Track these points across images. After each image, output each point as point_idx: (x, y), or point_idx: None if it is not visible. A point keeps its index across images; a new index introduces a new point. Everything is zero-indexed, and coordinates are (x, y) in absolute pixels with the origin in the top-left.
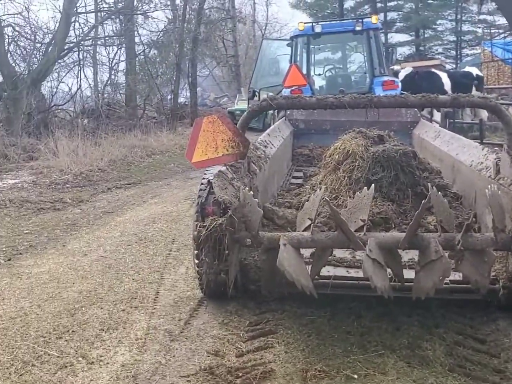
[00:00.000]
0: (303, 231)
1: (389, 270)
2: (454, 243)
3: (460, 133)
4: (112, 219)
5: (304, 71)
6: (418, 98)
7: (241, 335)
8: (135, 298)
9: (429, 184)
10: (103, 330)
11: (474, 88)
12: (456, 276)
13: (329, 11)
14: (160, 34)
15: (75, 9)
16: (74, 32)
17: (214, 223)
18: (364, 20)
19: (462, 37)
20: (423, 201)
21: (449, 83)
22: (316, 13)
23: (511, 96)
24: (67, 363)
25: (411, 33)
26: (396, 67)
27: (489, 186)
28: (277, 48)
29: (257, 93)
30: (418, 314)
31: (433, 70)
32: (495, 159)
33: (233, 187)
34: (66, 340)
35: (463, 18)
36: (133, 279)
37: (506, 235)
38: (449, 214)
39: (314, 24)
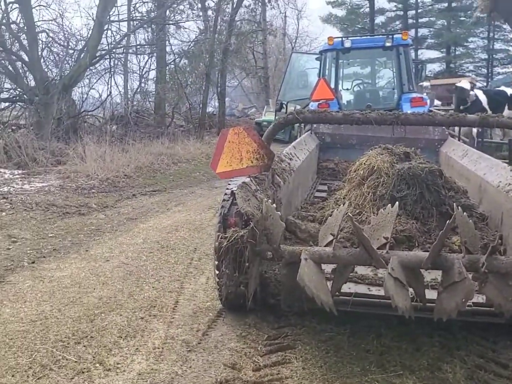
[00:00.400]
0: (325, 246)
1: (411, 289)
2: (478, 265)
3: (489, 152)
4: (136, 225)
5: (332, 85)
6: (446, 117)
7: (259, 349)
8: (154, 307)
9: (454, 203)
10: (121, 337)
11: (506, 107)
12: (480, 298)
13: (359, 26)
14: (191, 44)
15: (108, 17)
16: (106, 40)
17: (236, 234)
18: (395, 36)
19: (493, 55)
20: (448, 221)
21: (485, 99)
22: (346, 28)
23: None
24: (84, 368)
25: (442, 50)
26: (425, 84)
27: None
28: (306, 61)
29: (284, 105)
30: (439, 336)
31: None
32: None
33: (256, 199)
34: (84, 346)
35: (496, 36)
36: (153, 287)
37: None
38: (474, 235)
39: (343, 39)
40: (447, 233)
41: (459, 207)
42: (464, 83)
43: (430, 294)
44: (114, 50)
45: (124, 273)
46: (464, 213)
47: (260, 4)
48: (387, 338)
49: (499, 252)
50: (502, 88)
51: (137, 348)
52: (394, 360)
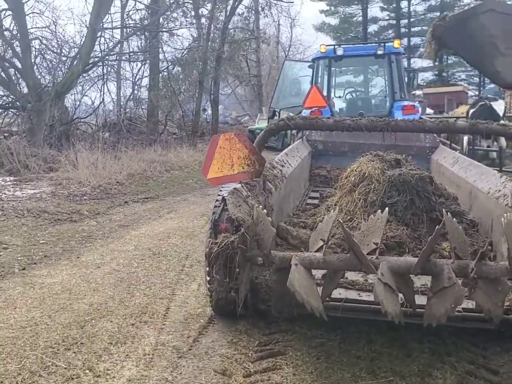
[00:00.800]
0: (315, 251)
1: (401, 295)
2: (467, 271)
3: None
4: (127, 232)
5: (325, 93)
6: (435, 124)
7: (250, 355)
8: (145, 313)
9: (444, 210)
10: (111, 343)
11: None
12: (469, 304)
13: (352, 35)
14: (184, 52)
15: (101, 24)
16: (100, 47)
17: (226, 240)
18: (386, 44)
19: None
20: (437, 227)
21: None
22: (340, 37)
23: None
24: (74, 375)
25: None
26: (418, 92)
27: (505, 215)
28: (299, 69)
29: (277, 113)
30: (429, 341)
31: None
32: None
33: (248, 205)
34: (74, 352)
35: None
36: (144, 294)
37: None
38: (463, 241)
39: (336, 46)
40: (437, 239)
41: (448, 213)
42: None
43: (420, 299)
44: (107, 57)
45: (115, 279)
46: (454, 219)
47: (253, 12)
48: (378, 344)
49: (489, 258)
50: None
51: (127, 355)
52: (384, 366)
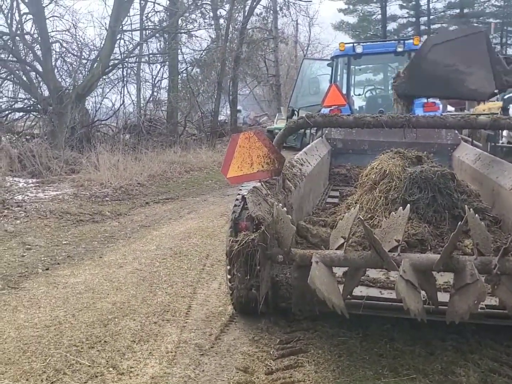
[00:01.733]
0: (336, 249)
1: (423, 292)
2: (490, 267)
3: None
4: (149, 232)
5: (344, 91)
6: (457, 119)
7: (271, 352)
8: (167, 311)
9: (466, 206)
10: (134, 341)
11: None
12: (492, 301)
13: (371, 33)
14: (203, 53)
15: (120, 26)
16: (119, 49)
17: (247, 238)
18: (406, 41)
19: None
20: (459, 223)
21: None
22: (358, 35)
23: None
24: (97, 373)
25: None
26: None
27: None
28: (318, 68)
29: (296, 112)
30: (452, 339)
31: None
32: None
33: (267, 203)
34: (98, 350)
35: (508, 42)
36: (166, 293)
37: None
38: (486, 237)
39: (355, 44)
40: (459, 235)
41: (470, 209)
42: None
43: (443, 296)
44: (126, 60)
45: (137, 279)
46: (476, 215)
47: (271, 12)
48: (400, 342)
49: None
50: None
51: (150, 352)
52: (407, 364)
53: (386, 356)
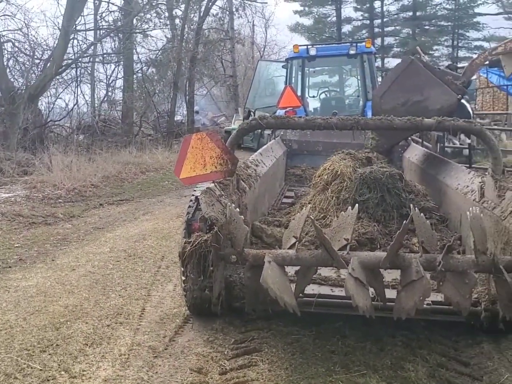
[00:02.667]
0: (288, 249)
1: (371, 289)
2: (435, 264)
3: (453, 158)
4: (103, 235)
5: (299, 93)
6: (403, 121)
7: (226, 353)
8: (121, 314)
9: (412, 205)
10: (87, 345)
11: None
12: (438, 297)
13: (327, 35)
14: (159, 53)
15: (74, 26)
16: (73, 49)
17: (200, 239)
18: (358, 44)
19: (458, 63)
20: (405, 222)
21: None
22: (314, 37)
23: (504, 122)
24: (49, 376)
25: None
26: None
27: (471, 209)
28: (274, 69)
29: (252, 113)
30: (402, 335)
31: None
32: (480, 182)
33: (221, 204)
34: (49, 354)
35: (460, 44)
36: (119, 295)
37: (487, 257)
38: (431, 235)
39: (309, 47)
40: (404, 233)
41: (416, 208)
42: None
43: (391, 293)
44: (80, 59)
45: (90, 281)
46: (422, 214)
47: (227, 13)
48: (352, 338)
49: (458, 253)
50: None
51: (103, 355)
52: (358, 360)
53: (338, 353)
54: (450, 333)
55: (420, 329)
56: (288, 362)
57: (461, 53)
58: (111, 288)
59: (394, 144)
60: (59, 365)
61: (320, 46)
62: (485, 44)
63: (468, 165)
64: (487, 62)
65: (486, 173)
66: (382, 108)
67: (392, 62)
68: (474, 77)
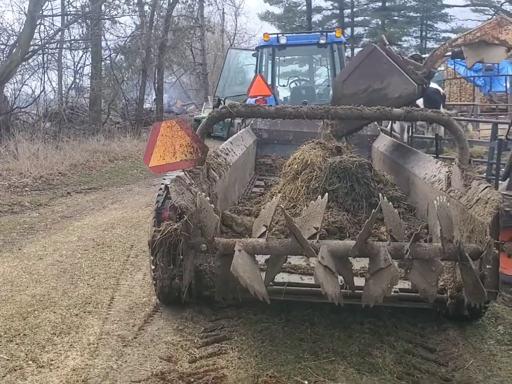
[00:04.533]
0: (258, 237)
1: (340, 277)
2: (403, 252)
3: (420, 148)
4: (70, 223)
5: (269, 82)
6: (373, 111)
7: (195, 341)
8: (89, 303)
9: (380, 194)
10: (55, 334)
11: (441, 106)
12: (406, 284)
13: (297, 24)
14: (127, 40)
15: (41, 11)
16: (39, 35)
17: (169, 228)
18: (328, 33)
19: (426, 54)
20: (373, 211)
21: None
22: (284, 26)
23: (471, 113)
24: (16, 366)
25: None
26: None
27: (437, 198)
28: (244, 58)
29: (222, 102)
30: (370, 322)
31: None
32: (446, 172)
33: (191, 192)
34: (17, 344)
35: (428, 35)
36: (88, 284)
37: (453, 245)
38: (399, 224)
39: (279, 35)
40: (372, 222)
41: (384, 197)
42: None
43: (359, 281)
44: (47, 45)
45: (58, 271)
46: (390, 203)
47: (197, 0)
48: (321, 326)
49: (425, 241)
50: (436, 86)
51: (71, 345)
52: (326, 347)
53: (307, 340)
54: (417, 320)
55: (387, 316)
56: (258, 350)
57: (430, 44)
58: (79, 277)
59: (353, 131)
60: (26, 354)
61: (291, 35)
62: (453, 36)
63: (435, 155)
64: (449, 54)
65: (453, 163)
66: (343, 93)
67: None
68: (442, 68)
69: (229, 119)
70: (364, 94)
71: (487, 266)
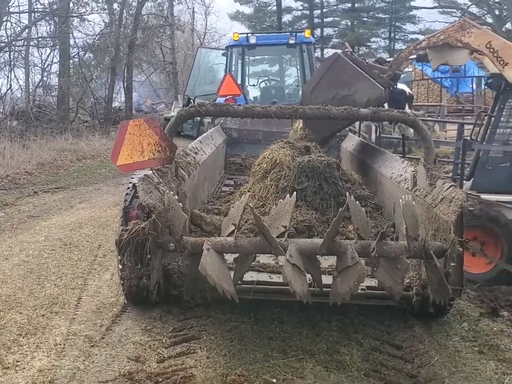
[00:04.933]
0: (227, 236)
1: (309, 276)
2: (369, 250)
3: (388, 148)
4: (37, 223)
5: (239, 81)
6: (340, 111)
7: (164, 341)
8: (56, 304)
9: (347, 193)
10: (21, 335)
11: (406, 106)
12: (372, 282)
13: (267, 24)
14: (96, 38)
15: (7, 8)
16: (6, 32)
17: (137, 227)
18: (298, 34)
19: (394, 55)
20: (340, 209)
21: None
22: (254, 25)
23: (438, 114)
24: None
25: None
26: None
27: (403, 197)
28: (214, 57)
29: (192, 101)
30: (337, 320)
31: None
32: (412, 171)
33: (159, 191)
34: None
35: (396, 37)
36: (55, 285)
37: (418, 243)
38: (366, 222)
39: (249, 35)
40: (340, 221)
41: (351, 196)
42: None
43: (327, 279)
44: (13, 43)
45: (24, 271)
46: (357, 202)
47: None
48: (289, 324)
49: (391, 239)
50: (403, 87)
51: (37, 345)
52: (295, 345)
53: (275, 339)
54: (384, 318)
55: (355, 314)
56: (227, 349)
57: (398, 46)
58: (46, 277)
59: (326, 140)
60: None
61: (260, 34)
62: (421, 37)
63: (402, 155)
64: (413, 56)
65: (419, 162)
66: (313, 103)
67: (331, 53)
68: (410, 69)
69: (199, 118)
70: (333, 102)
71: (452, 264)
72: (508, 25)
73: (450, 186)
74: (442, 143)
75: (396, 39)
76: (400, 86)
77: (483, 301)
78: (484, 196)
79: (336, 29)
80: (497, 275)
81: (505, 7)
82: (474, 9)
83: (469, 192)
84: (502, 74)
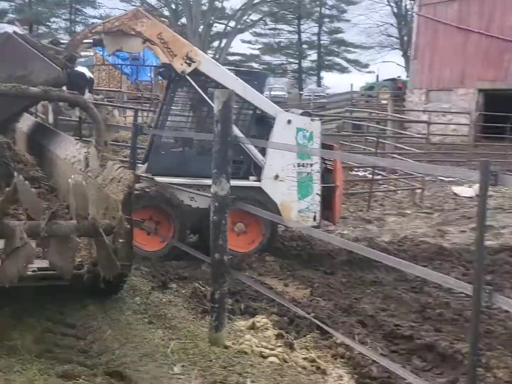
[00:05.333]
0: None
1: None
2: (39, 231)
3: (69, 130)
4: None
5: None
6: (8, 87)
7: None
8: None
9: (15, 173)
10: None
11: (87, 90)
12: (44, 263)
13: None
14: None
15: None
16: None
17: None
18: None
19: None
20: (7, 189)
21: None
22: None
23: (117, 99)
24: None
25: (24, 27)
26: None
27: (72, 176)
28: None
29: None
30: (10, 305)
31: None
32: (85, 153)
33: None
34: None
35: (77, 19)
36: None
37: (88, 222)
38: (36, 202)
39: None
40: (6, 201)
41: (20, 176)
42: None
43: None
44: None
45: None
46: (26, 182)
47: None
48: None
49: (65, 220)
50: (83, 70)
51: None
52: None
53: None
54: (58, 299)
55: (28, 297)
56: None
57: (78, 28)
58: None
59: (7, 122)
60: None
61: None
62: (98, 22)
63: (78, 137)
64: (90, 40)
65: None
66: None
67: (6, 28)
68: (91, 53)
69: None
70: (8, 81)
71: (120, 241)
72: (183, 20)
73: (119, 167)
74: (122, 128)
75: (77, 22)
76: (81, 69)
77: (155, 276)
78: (158, 179)
79: (12, 4)
80: (169, 252)
81: (180, 2)
82: (152, 1)
83: (144, 175)
84: (172, 64)
